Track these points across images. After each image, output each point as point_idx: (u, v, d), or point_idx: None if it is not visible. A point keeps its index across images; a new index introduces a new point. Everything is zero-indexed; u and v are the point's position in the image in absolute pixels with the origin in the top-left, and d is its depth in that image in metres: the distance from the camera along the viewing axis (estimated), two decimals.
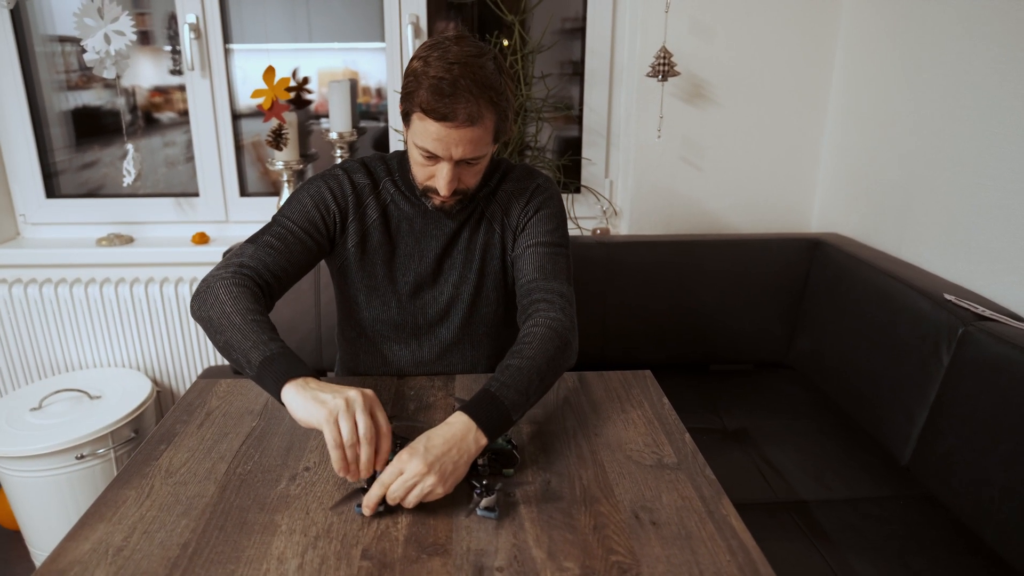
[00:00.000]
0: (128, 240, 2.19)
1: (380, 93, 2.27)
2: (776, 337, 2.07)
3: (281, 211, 1.24)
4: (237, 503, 0.94)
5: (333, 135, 2.06)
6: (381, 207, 1.27)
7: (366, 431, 0.91)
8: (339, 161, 1.90)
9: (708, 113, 2.11)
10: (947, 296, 1.53)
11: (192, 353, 2.19)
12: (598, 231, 2.22)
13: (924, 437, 1.50)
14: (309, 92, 2.25)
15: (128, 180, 2.06)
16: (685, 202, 2.20)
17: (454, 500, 0.95)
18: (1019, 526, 1.24)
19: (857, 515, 1.41)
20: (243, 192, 2.28)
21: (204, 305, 1.08)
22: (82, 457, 1.83)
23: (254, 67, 2.18)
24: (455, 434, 0.95)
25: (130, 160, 2.05)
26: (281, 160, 2.05)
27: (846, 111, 2.06)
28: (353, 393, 0.93)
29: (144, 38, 2.15)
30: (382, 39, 2.18)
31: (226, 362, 2.19)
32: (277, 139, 1.99)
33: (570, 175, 2.29)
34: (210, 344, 2.19)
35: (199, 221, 2.27)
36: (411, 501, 0.90)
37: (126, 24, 1.92)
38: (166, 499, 0.95)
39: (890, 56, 1.86)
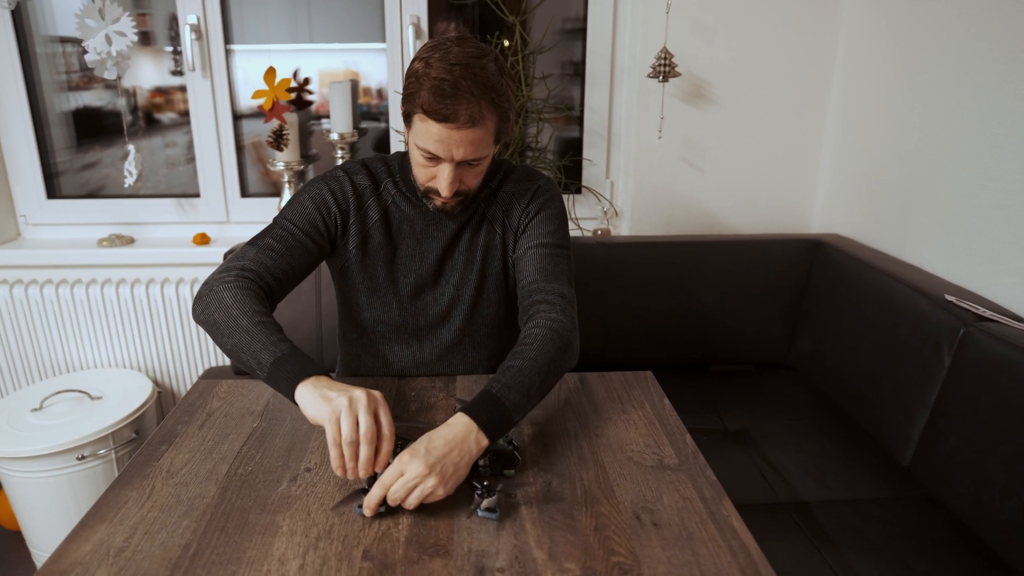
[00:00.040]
0: (129, 241, 2.19)
1: (381, 94, 2.28)
2: (777, 338, 2.07)
3: (282, 213, 1.24)
4: (238, 504, 0.94)
5: (334, 136, 2.06)
6: (382, 208, 1.27)
7: (366, 430, 0.91)
8: (340, 162, 1.90)
9: (709, 114, 2.11)
10: (948, 297, 1.53)
11: (193, 354, 2.19)
12: (599, 232, 2.22)
13: (925, 438, 1.50)
14: (310, 93, 2.25)
15: (130, 181, 2.06)
16: (686, 203, 2.20)
17: (455, 501, 0.95)
18: (1020, 527, 1.24)
19: (858, 516, 1.41)
20: (244, 193, 2.28)
21: (208, 308, 1.08)
22: (83, 458, 1.83)
23: (255, 68, 2.18)
24: (456, 435, 0.95)
25: (131, 161, 2.05)
26: (282, 161, 2.05)
27: (847, 112, 2.06)
28: (359, 392, 0.93)
29: (145, 39, 2.15)
30: (383, 40, 2.18)
31: (227, 363, 2.19)
32: (278, 140, 1.99)
33: (571, 176, 2.29)
34: (211, 345, 2.19)
35: (200, 222, 2.27)
36: (412, 502, 0.90)
37: (127, 25, 1.92)
38: (167, 500, 0.95)
39: (891, 56, 1.86)
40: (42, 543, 1.93)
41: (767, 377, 2.03)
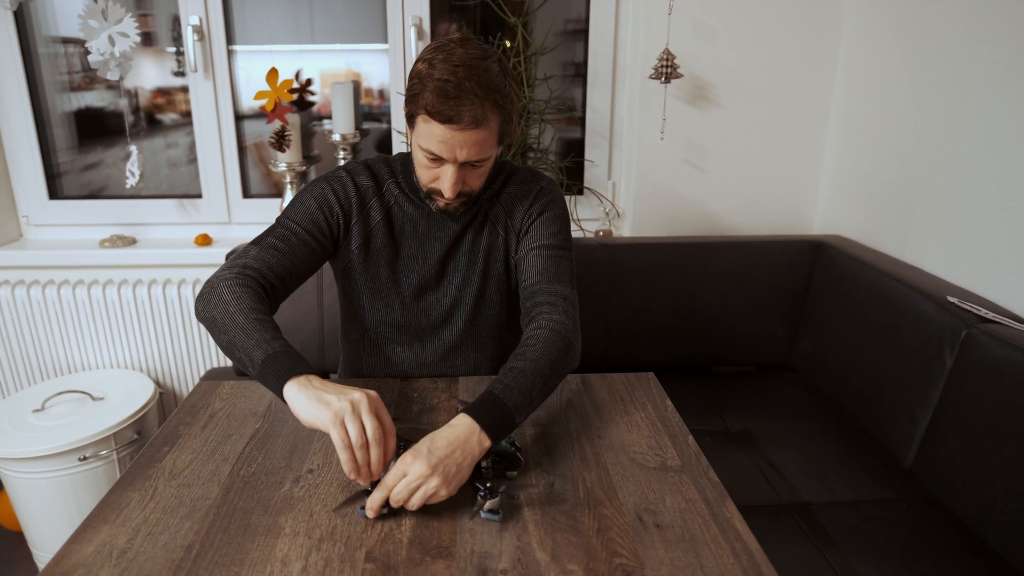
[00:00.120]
0: (131, 241, 2.19)
1: (383, 95, 2.28)
2: (779, 339, 2.07)
3: (285, 213, 1.24)
4: (241, 505, 0.94)
5: (336, 137, 2.06)
6: (385, 209, 1.27)
7: (374, 432, 0.91)
8: (342, 163, 1.90)
9: (711, 115, 2.11)
10: (950, 298, 1.53)
11: (195, 354, 2.19)
12: (601, 233, 2.22)
13: (927, 439, 1.50)
14: (312, 94, 2.25)
15: (132, 182, 2.06)
16: (688, 204, 2.20)
17: (458, 502, 0.94)
18: (1022, 528, 1.24)
19: (860, 517, 1.41)
20: (246, 194, 2.28)
21: (208, 306, 1.08)
22: (85, 459, 1.83)
23: (257, 68, 2.18)
24: (458, 436, 0.95)
25: (133, 161, 2.06)
26: (284, 162, 2.05)
27: (849, 113, 2.06)
28: (358, 395, 0.93)
29: (147, 39, 2.15)
30: (385, 40, 2.18)
31: (229, 363, 2.19)
32: (280, 141, 1.99)
33: (573, 177, 2.29)
34: (213, 345, 2.19)
35: (202, 223, 2.28)
36: (414, 503, 0.90)
37: (130, 26, 1.92)
38: (170, 501, 0.95)
39: (892, 58, 1.86)
40: (44, 544, 1.93)
41: (769, 378, 2.02)
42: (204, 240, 2.18)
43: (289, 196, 2.08)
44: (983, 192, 1.57)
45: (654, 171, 2.15)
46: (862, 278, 1.79)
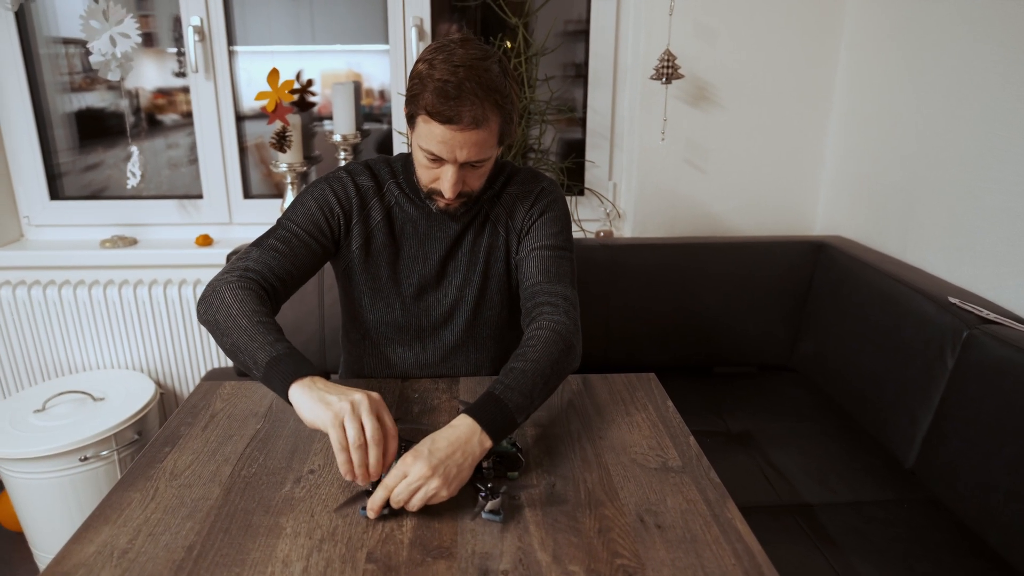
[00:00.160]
0: (132, 242, 2.19)
1: (383, 95, 2.28)
2: (780, 340, 2.06)
3: (286, 214, 1.24)
4: (242, 506, 0.94)
5: (337, 137, 2.06)
6: (385, 209, 1.27)
7: (373, 433, 0.91)
8: (343, 163, 1.90)
9: (712, 116, 2.11)
10: (951, 299, 1.52)
11: (196, 355, 2.19)
12: (601, 233, 2.22)
13: (928, 440, 1.50)
14: (313, 94, 2.25)
15: (133, 182, 2.06)
16: (689, 204, 2.20)
17: (459, 503, 0.94)
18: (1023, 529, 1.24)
19: (861, 519, 1.41)
20: (247, 194, 2.28)
21: (210, 308, 1.08)
22: (86, 459, 1.83)
23: (258, 69, 2.19)
24: (459, 437, 0.95)
25: (135, 162, 2.06)
26: (285, 162, 2.05)
27: (850, 114, 2.06)
28: (359, 396, 0.93)
29: (147, 40, 2.16)
30: (386, 41, 2.18)
31: (230, 364, 2.19)
32: (281, 141, 1.99)
33: (574, 177, 2.29)
34: (214, 346, 2.19)
35: (203, 223, 2.28)
36: (415, 504, 0.90)
37: (131, 26, 1.92)
38: (171, 502, 0.95)
39: (893, 58, 1.86)
40: (44, 544, 1.93)
41: (770, 379, 2.02)
42: (205, 241, 2.18)
43: (290, 197, 2.08)
44: (984, 193, 1.57)
45: (655, 172, 2.15)
46: (863, 279, 1.79)
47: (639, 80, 2.08)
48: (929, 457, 1.49)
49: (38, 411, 1.90)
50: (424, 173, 1.17)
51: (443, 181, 1.14)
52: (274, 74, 1.96)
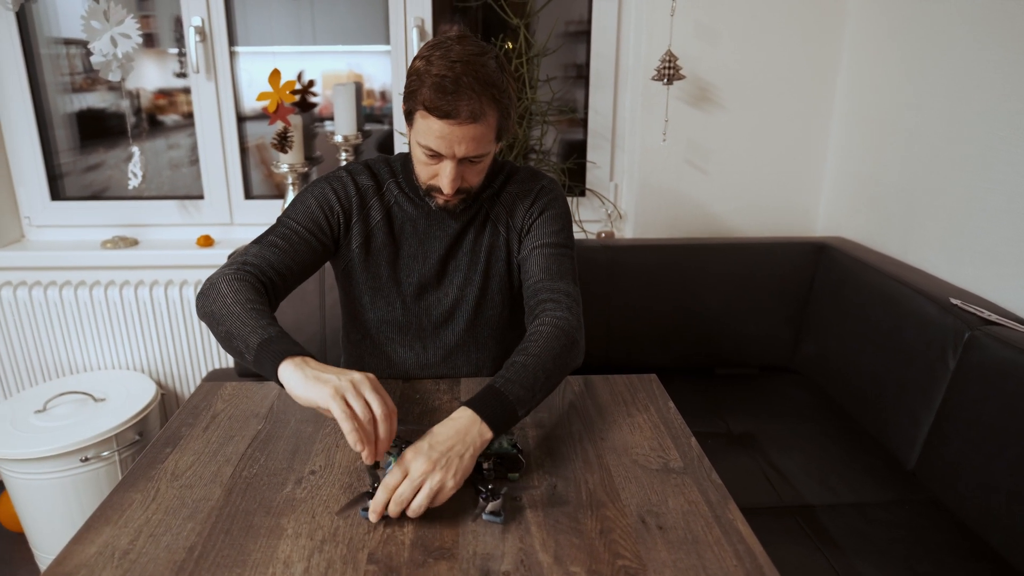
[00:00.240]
0: (133, 243, 2.19)
1: (384, 96, 2.28)
2: (781, 341, 2.06)
3: (286, 212, 1.25)
4: (243, 506, 0.94)
5: (338, 138, 2.06)
6: (385, 208, 1.28)
7: (381, 408, 0.91)
8: (344, 164, 1.89)
9: (713, 116, 2.11)
10: (953, 300, 1.52)
11: (197, 355, 2.19)
12: (603, 234, 2.22)
13: (930, 442, 1.50)
14: (314, 95, 2.25)
15: (134, 183, 2.06)
16: (690, 205, 2.19)
17: (460, 504, 0.94)
18: None
19: (863, 520, 1.41)
20: (248, 195, 2.28)
21: (207, 301, 1.09)
22: (87, 460, 1.83)
23: (259, 70, 2.19)
24: (459, 429, 0.95)
25: (136, 162, 2.06)
26: (286, 163, 2.05)
27: (851, 114, 2.06)
28: (358, 375, 0.93)
29: (149, 40, 2.16)
30: (387, 42, 2.18)
31: (231, 365, 2.19)
32: (282, 142, 1.99)
33: (575, 178, 2.29)
34: (215, 346, 2.19)
35: (204, 224, 2.28)
36: (420, 502, 0.89)
37: (132, 27, 1.92)
38: (172, 502, 0.95)
39: (895, 59, 1.86)
40: (45, 545, 1.93)
41: (772, 380, 2.02)
42: (206, 241, 2.18)
43: (291, 197, 2.08)
44: (986, 193, 1.57)
45: (656, 173, 2.15)
46: (865, 280, 1.78)
47: (640, 81, 2.07)
48: (931, 458, 1.49)
49: (39, 412, 1.90)
50: (423, 170, 1.17)
51: (442, 177, 1.14)
52: (275, 75, 1.96)
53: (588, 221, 2.31)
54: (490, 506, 0.91)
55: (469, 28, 2.20)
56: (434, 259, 1.29)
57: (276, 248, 1.18)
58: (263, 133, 2.25)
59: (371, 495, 0.92)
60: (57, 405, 1.93)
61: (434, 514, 0.92)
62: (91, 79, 2.19)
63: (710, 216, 2.21)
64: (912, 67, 1.80)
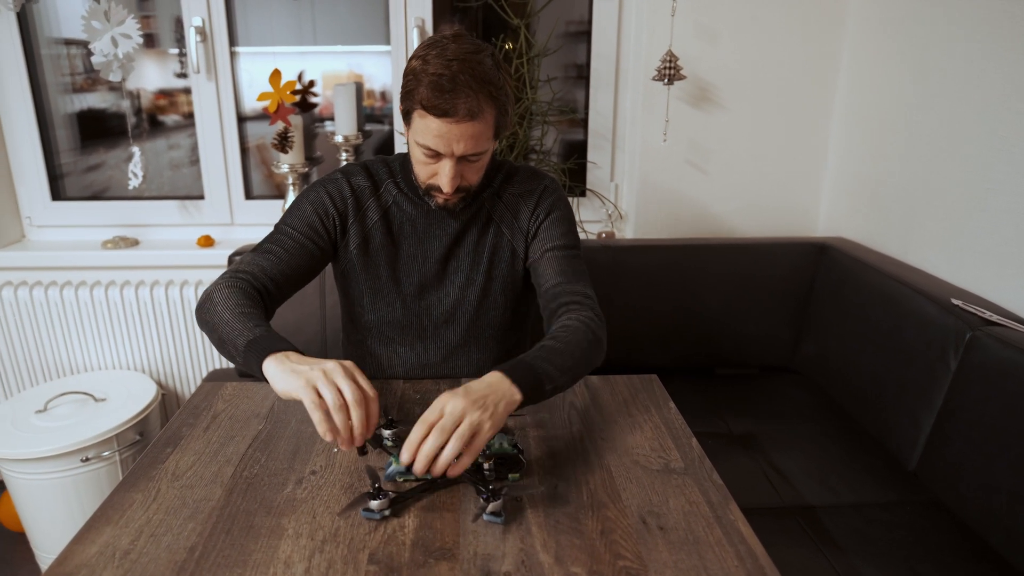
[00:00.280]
0: (133, 243, 2.19)
1: (385, 96, 2.28)
2: (782, 341, 2.06)
3: (282, 219, 1.26)
4: (244, 507, 0.94)
5: (338, 138, 2.06)
6: (382, 209, 1.28)
7: (352, 394, 0.90)
8: (344, 164, 1.89)
9: (714, 117, 2.11)
10: (954, 301, 1.52)
11: (197, 356, 2.19)
12: (603, 235, 2.22)
13: (931, 442, 1.50)
14: (314, 95, 2.25)
15: (135, 183, 2.06)
16: (690, 206, 2.19)
17: (460, 505, 0.94)
18: None
19: (864, 520, 1.41)
20: (248, 195, 2.28)
21: (203, 312, 1.10)
22: (87, 460, 1.83)
23: (260, 70, 2.19)
24: (491, 383, 0.95)
25: (136, 163, 2.06)
26: (286, 163, 2.05)
27: (852, 114, 2.06)
28: (331, 364, 0.93)
29: (149, 41, 2.16)
30: (387, 42, 2.18)
31: (231, 365, 2.19)
32: (282, 142, 1.99)
33: (575, 179, 2.28)
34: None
35: (204, 224, 2.28)
36: (456, 442, 0.87)
37: (132, 27, 1.92)
38: (172, 502, 0.95)
39: (895, 59, 1.86)
40: (46, 545, 1.93)
41: (772, 381, 2.02)
42: (206, 241, 2.18)
43: (291, 198, 2.08)
44: (987, 193, 1.57)
45: (657, 173, 2.15)
46: (865, 280, 1.78)
47: (641, 81, 2.07)
48: (932, 459, 1.49)
49: (40, 412, 1.90)
50: (422, 169, 1.17)
51: (441, 176, 1.14)
52: (276, 75, 1.96)
53: (589, 221, 2.31)
54: (491, 506, 0.91)
55: (469, 28, 2.20)
56: (434, 259, 1.29)
57: (271, 254, 1.19)
58: (263, 133, 2.25)
59: (372, 495, 0.92)
60: (58, 405, 1.94)
61: (435, 514, 0.92)
62: (92, 79, 2.19)
63: (710, 216, 2.21)
64: (912, 67, 1.80)
